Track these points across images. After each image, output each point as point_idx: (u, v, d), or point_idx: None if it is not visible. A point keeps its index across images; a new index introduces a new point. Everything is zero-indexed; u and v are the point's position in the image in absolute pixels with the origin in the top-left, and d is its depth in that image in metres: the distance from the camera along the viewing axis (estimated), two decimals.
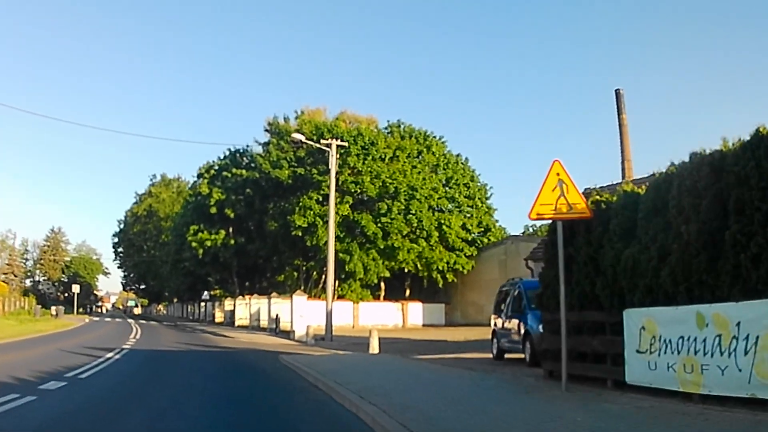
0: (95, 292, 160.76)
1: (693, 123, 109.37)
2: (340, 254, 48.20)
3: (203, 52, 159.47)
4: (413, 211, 49.11)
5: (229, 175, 55.71)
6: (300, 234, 48.25)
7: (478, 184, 56.48)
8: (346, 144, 39.07)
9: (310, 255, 53.27)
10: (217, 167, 57.83)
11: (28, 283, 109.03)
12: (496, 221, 56.87)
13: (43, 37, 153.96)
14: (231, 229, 57.34)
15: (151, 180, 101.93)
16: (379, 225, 48.41)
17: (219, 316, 57.94)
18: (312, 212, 48.27)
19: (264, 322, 42.68)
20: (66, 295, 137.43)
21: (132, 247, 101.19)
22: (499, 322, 19.57)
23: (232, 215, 55.25)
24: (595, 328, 11.08)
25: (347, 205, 49.03)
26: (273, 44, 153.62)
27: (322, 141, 38.86)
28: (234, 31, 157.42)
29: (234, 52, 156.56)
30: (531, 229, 60.22)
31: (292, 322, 34.53)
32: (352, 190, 49.48)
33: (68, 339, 29.24)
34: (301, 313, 34.35)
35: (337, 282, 51.25)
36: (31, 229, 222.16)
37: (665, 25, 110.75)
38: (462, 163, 56.21)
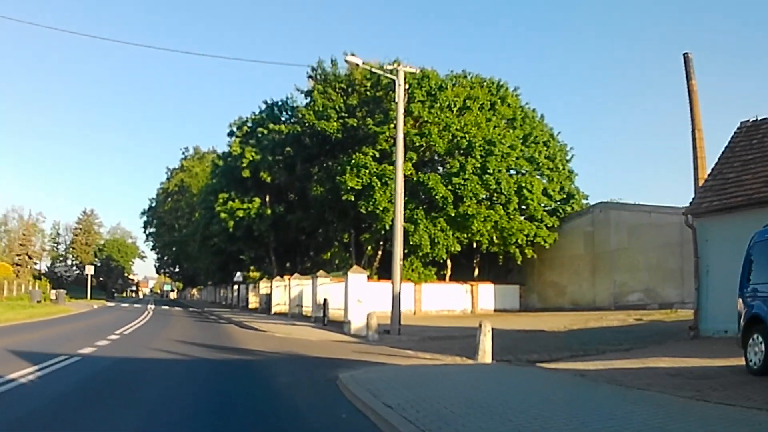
0: (131, 276, 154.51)
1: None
2: (404, 224, 38.59)
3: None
4: (490, 170, 39.21)
5: (266, 131, 46.06)
6: (352, 199, 38.53)
7: (558, 143, 47.36)
8: (415, 71, 28.69)
9: (363, 226, 43.52)
10: (250, 123, 48.20)
11: (44, 266, 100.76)
12: (578, 188, 47.70)
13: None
14: (267, 198, 47.74)
15: (184, 153, 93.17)
16: (449, 188, 38.62)
17: (253, 301, 48.41)
18: (367, 171, 38.53)
19: (307, 309, 32.99)
20: (100, 279, 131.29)
21: (162, 226, 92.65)
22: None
23: (268, 179, 45.62)
24: None
25: (410, 164, 39.27)
26: None
27: (386, 67, 28.63)
28: None
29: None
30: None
31: (346, 309, 24.82)
32: (417, 144, 39.71)
33: (21, 334, 20.01)
34: (360, 297, 24.58)
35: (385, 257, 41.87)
36: (64, 212, 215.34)
37: None
38: (539, 120, 46.94)
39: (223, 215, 45.91)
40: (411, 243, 38.23)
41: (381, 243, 43.04)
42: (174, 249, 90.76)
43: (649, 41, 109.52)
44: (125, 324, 26.13)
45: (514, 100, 45.84)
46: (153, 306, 52.49)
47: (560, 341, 19.07)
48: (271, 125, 46.15)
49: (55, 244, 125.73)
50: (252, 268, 61.09)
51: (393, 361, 14.51)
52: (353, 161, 39.20)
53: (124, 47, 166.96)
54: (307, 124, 43.39)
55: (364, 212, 38.55)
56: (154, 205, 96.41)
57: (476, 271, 45.44)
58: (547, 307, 39.66)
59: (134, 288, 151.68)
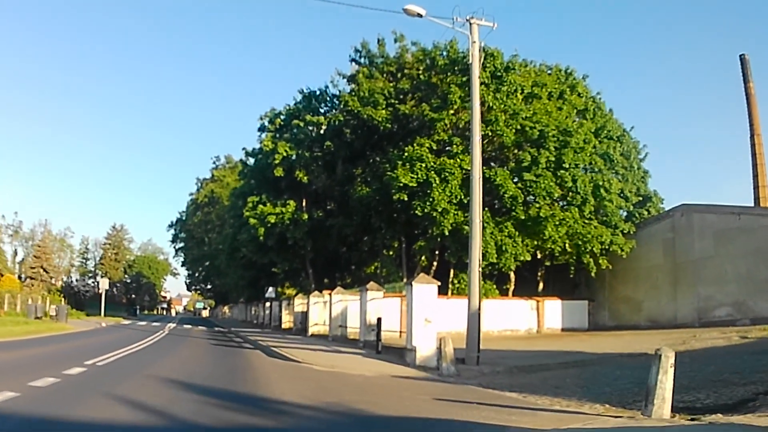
0: (162, 293, 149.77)
1: None
2: (465, 228, 32.08)
3: None
4: (566, 165, 32.88)
5: (302, 124, 39.68)
6: (404, 198, 32.05)
7: (631, 139, 41.51)
8: (491, 25, 21.85)
9: (416, 233, 36.91)
10: (284, 116, 41.88)
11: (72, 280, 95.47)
12: (655, 190, 42.75)
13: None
14: (303, 202, 41.32)
15: (215, 163, 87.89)
16: (519, 185, 32.43)
17: (287, 321, 41.78)
18: (423, 166, 32.16)
19: (353, 331, 26.28)
20: (129, 296, 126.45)
21: (192, 240, 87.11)
22: None
23: (305, 179, 39.18)
24: None
25: (469, 157, 32.70)
26: None
27: (457, 18, 21.89)
28: None
29: None
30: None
31: (410, 331, 18.10)
32: (481, 133, 32.99)
33: None
34: (428, 316, 17.95)
35: (452, 271, 35.25)
36: (93, 227, 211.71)
37: None
38: (608, 113, 40.92)
39: (252, 221, 39.49)
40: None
41: (436, 252, 36.47)
42: (206, 264, 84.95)
43: (706, 40, 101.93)
44: (116, 348, 19.70)
45: (585, 90, 39.60)
46: (174, 325, 46.27)
47: (697, 370, 13.25)
48: (308, 117, 39.79)
49: (84, 260, 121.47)
50: (287, 284, 54.65)
51: (517, 422, 7.98)
52: (406, 155, 32.77)
53: (152, 54, 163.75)
54: (350, 114, 37.03)
55: (419, 214, 32.02)
56: (182, 217, 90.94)
57: (540, 285, 38.90)
58: (620, 325, 35.00)
59: (165, 306, 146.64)
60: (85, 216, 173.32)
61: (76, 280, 76.94)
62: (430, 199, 31.45)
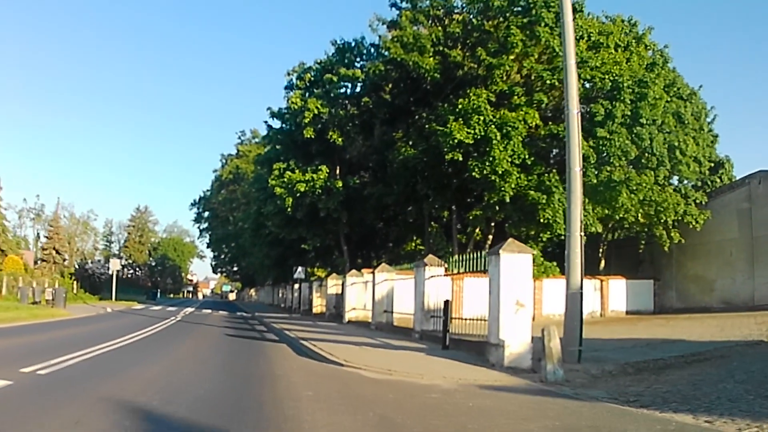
0: (189, 277, 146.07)
1: None
2: (530, 194, 26.79)
3: None
4: (644, 121, 27.81)
5: (335, 79, 34.30)
6: (459, 158, 26.88)
7: (700, 100, 35.89)
8: None
9: (469, 201, 31.63)
10: (315, 71, 36.47)
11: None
12: (727, 156, 38.20)
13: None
14: (338, 168, 36.06)
15: (240, 137, 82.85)
16: (590, 144, 26.81)
17: (318, 304, 36.50)
18: (481, 120, 26.69)
19: (403, 317, 20.90)
20: (154, 279, 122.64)
21: (216, 219, 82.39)
22: None
23: (339, 141, 33.89)
24: None
25: (534, 111, 28.03)
26: None
27: None
28: None
29: None
30: None
31: (497, 321, 12.68)
32: (546, 82, 28.05)
33: None
34: (520, 297, 12.59)
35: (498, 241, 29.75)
36: (118, 209, 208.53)
37: None
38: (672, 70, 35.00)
39: (278, 190, 34.21)
40: (542, 221, 26.36)
41: (492, 224, 31.18)
42: (233, 245, 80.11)
43: None
44: (97, 343, 14.66)
45: (651, 43, 33.92)
46: (192, 309, 41.37)
47: None
48: (342, 70, 34.40)
49: (108, 243, 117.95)
50: (317, 264, 49.48)
51: None
52: (459, 107, 27.53)
53: (174, 30, 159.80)
54: (391, 64, 31.63)
55: (476, 176, 26.77)
56: (206, 195, 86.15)
57: (602, 263, 34.21)
58: (689, 306, 31.23)
59: (191, 289, 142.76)
60: (109, 198, 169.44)
61: (92, 263, 72.44)
62: (490, 159, 26.39)
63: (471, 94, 27.73)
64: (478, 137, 26.75)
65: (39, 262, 62.96)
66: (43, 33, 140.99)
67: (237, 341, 18.31)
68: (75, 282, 53.99)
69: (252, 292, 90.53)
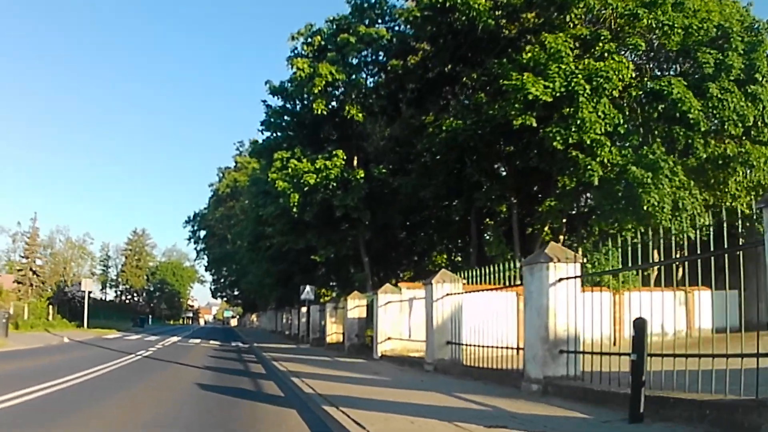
0: (189, 302, 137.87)
1: None
2: (631, 170, 19.16)
3: None
4: (760, 77, 21.33)
5: (353, 39, 26.57)
6: (533, 124, 19.36)
7: None
8: None
9: (533, 192, 24.00)
10: (326, 33, 28.65)
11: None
12: None
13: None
14: (357, 156, 28.26)
15: (238, 149, 75.35)
16: (699, 107, 19.87)
17: (333, 332, 28.05)
18: (562, 71, 18.87)
19: (478, 350, 12.86)
20: (151, 305, 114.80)
21: (213, 238, 74.63)
22: None
23: (359, 116, 26.12)
24: None
25: (628, 61, 20.80)
26: None
27: None
28: None
29: None
30: None
31: None
32: (644, 23, 20.44)
33: None
34: None
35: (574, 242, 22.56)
36: (114, 232, 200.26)
37: None
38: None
39: (281, 185, 26.24)
40: (645, 208, 18.51)
41: (564, 220, 23.46)
42: (233, 267, 72.08)
43: None
44: None
45: None
46: (177, 339, 33.25)
47: None
48: (362, 28, 26.73)
49: (105, 268, 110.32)
50: (330, 283, 41.24)
51: None
52: (528, 57, 19.99)
53: (177, 41, 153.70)
54: (429, 9, 23.82)
55: (558, 147, 18.89)
56: (203, 212, 78.40)
57: (680, 269, 25.95)
58: None
59: (191, 315, 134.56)
60: (105, 221, 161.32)
61: (71, 285, 64.75)
62: (577, 122, 18.64)
63: (547, 38, 20.09)
64: (558, 94, 19.12)
65: (16, 284, 55.05)
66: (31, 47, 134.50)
67: (212, 400, 10.20)
68: (51, 307, 46.08)
69: (253, 317, 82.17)
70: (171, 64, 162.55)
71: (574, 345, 9.62)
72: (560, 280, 9.78)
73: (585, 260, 12.05)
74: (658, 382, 7.60)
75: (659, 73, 23.33)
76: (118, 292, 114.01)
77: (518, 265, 12.73)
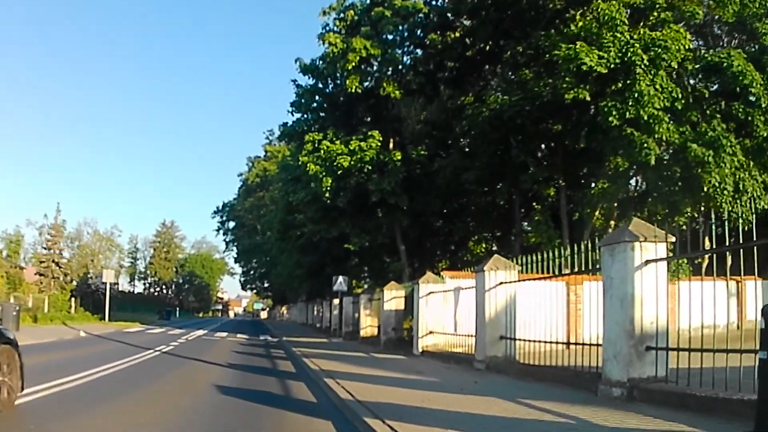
0: (219, 294, 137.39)
1: None
2: (692, 148, 17.43)
3: None
4: None
5: (389, 14, 24.80)
6: (586, 98, 17.51)
7: None
8: None
9: (581, 175, 22.04)
10: (359, 10, 26.89)
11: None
12: None
13: None
14: (393, 139, 26.51)
15: (268, 137, 73.75)
16: (761, 80, 18.18)
17: (368, 325, 26.42)
18: (617, 41, 17.37)
19: (535, 346, 11.09)
20: (180, 297, 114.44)
21: (242, 228, 73.29)
22: None
23: (396, 94, 24.39)
24: None
25: (683, 29, 18.99)
26: None
27: None
28: None
29: None
30: None
31: None
32: None
33: None
34: None
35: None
36: (143, 225, 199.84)
37: None
38: None
39: (312, 168, 24.62)
40: (705, 189, 17.42)
41: (615, 204, 21.59)
42: (263, 259, 70.76)
43: None
44: None
45: None
46: (202, 333, 31.84)
47: None
48: (397, 1, 24.92)
49: (134, 260, 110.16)
50: (363, 274, 39.51)
51: None
52: (580, 26, 18.12)
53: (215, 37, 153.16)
54: None
55: (614, 123, 16.96)
56: (232, 203, 77.23)
57: (729, 258, 24.04)
58: None
59: (220, 307, 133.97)
60: (133, 213, 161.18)
61: (96, 277, 63.90)
62: (634, 94, 16.73)
63: (600, 5, 18.19)
64: (613, 65, 17.23)
65: (38, 276, 54.22)
66: (62, 42, 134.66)
67: (230, 408, 8.56)
68: (74, 299, 45.05)
69: (283, 309, 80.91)
70: (198, 56, 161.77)
71: (665, 340, 7.92)
72: (647, 262, 7.99)
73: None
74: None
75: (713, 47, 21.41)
76: (147, 285, 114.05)
77: (566, 252, 11.06)
